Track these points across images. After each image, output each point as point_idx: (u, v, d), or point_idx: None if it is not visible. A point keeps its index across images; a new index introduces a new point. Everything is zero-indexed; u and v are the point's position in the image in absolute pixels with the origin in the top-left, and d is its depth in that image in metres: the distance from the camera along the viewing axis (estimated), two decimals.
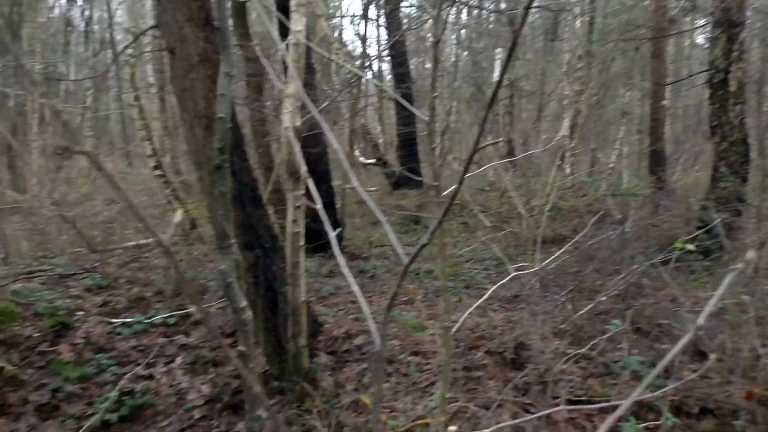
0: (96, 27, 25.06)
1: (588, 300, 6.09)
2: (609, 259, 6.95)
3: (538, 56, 23.92)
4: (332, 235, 2.43)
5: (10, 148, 15.30)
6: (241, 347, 3.48)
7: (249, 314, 3.45)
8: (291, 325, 4.70)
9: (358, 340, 5.57)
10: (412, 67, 18.90)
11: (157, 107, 15.30)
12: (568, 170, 15.37)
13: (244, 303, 3.48)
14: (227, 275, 3.39)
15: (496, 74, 18.37)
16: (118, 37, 20.97)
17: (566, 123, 16.26)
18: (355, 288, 2.37)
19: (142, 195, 16.89)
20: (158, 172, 10.58)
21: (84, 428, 6.05)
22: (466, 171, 1.72)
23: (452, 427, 3.76)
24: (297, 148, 3.76)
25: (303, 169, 4.52)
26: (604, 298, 5.64)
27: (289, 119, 4.06)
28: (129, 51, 10.22)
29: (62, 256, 10.12)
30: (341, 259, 2.37)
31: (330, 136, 2.54)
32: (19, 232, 11.07)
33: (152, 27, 5.70)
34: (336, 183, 11.05)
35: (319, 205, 2.54)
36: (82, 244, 10.64)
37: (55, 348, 6.84)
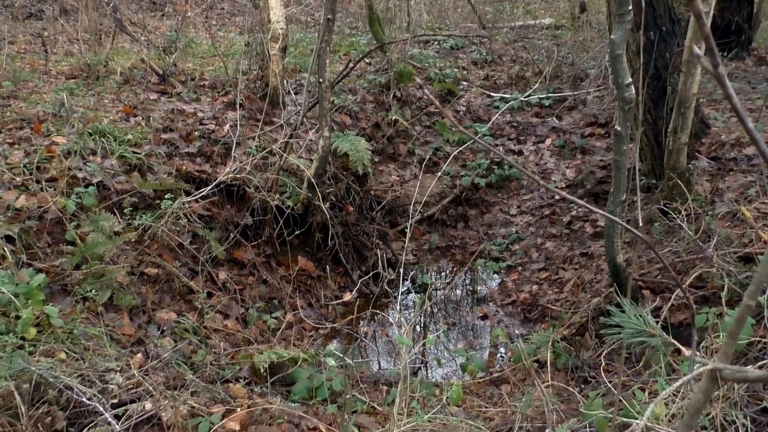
0: None
1: None
2: None
3: None
4: None
5: None
6: (617, 127, 3.29)
7: (632, 92, 3.20)
8: (675, 118, 4.28)
9: (750, 150, 4.88)
10: None
11: None
12: None
13: (628, 80, 3.22)
14: (616, 47, 3.13)
15: None
16: None
17: None
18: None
19: None
20: None
21: (457, 186, 6.70)
22: None
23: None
24: None
25: None
26: None
27: None
28: None
29: (455, 29, 10.64)
30: None
31: None
32: (420, 5, 11.81)
33: None
34: None
35: None
36: (474, 19, 11.01)
37: (440, 111, 7.48)
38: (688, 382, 0.89)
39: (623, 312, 1.19)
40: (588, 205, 0.95)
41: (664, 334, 1.14)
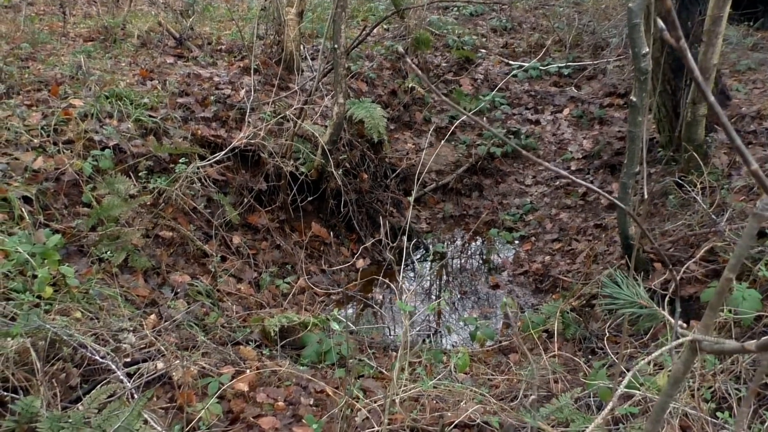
0: None
1: None
2: None
3: None
4: None
5: None
6: (632, 97, 3.25)
7: (648, 62, 3.15)
8: (694, 89, 4.21)
9: None
10: None
11: None
12: None
13: (645, 50, 3.16)
14: (634, 15, 3.08)
15: None
16: None
17: None
18: None
19: None
20: None
21: (473, 155, 6.66)
22: None
23: None
24: None
25: None
26: None
27: None
28: None
29: None
30: None
31: None
32: None
33: None
34: None
35: None
36: None
37: (457, 79, 7.42)
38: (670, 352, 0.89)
39: (615, 283, 1.20)
40: (589, 185, 0.95)
41: (655, 305, 1.15)
